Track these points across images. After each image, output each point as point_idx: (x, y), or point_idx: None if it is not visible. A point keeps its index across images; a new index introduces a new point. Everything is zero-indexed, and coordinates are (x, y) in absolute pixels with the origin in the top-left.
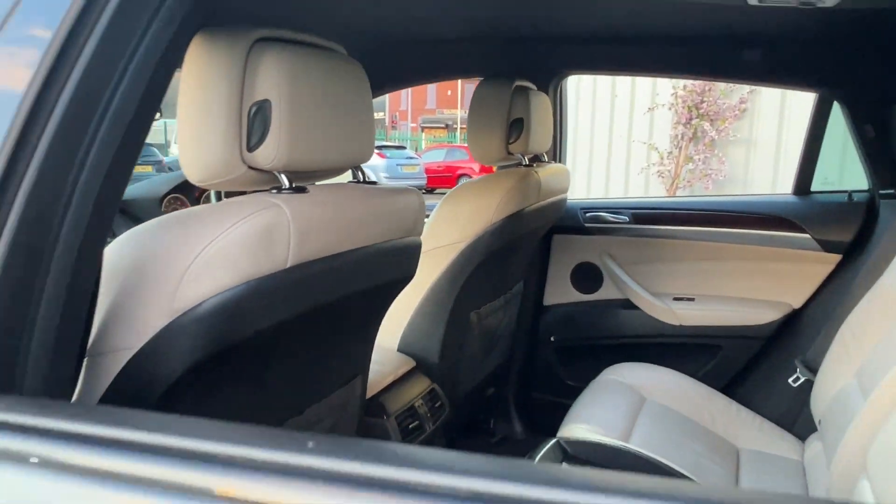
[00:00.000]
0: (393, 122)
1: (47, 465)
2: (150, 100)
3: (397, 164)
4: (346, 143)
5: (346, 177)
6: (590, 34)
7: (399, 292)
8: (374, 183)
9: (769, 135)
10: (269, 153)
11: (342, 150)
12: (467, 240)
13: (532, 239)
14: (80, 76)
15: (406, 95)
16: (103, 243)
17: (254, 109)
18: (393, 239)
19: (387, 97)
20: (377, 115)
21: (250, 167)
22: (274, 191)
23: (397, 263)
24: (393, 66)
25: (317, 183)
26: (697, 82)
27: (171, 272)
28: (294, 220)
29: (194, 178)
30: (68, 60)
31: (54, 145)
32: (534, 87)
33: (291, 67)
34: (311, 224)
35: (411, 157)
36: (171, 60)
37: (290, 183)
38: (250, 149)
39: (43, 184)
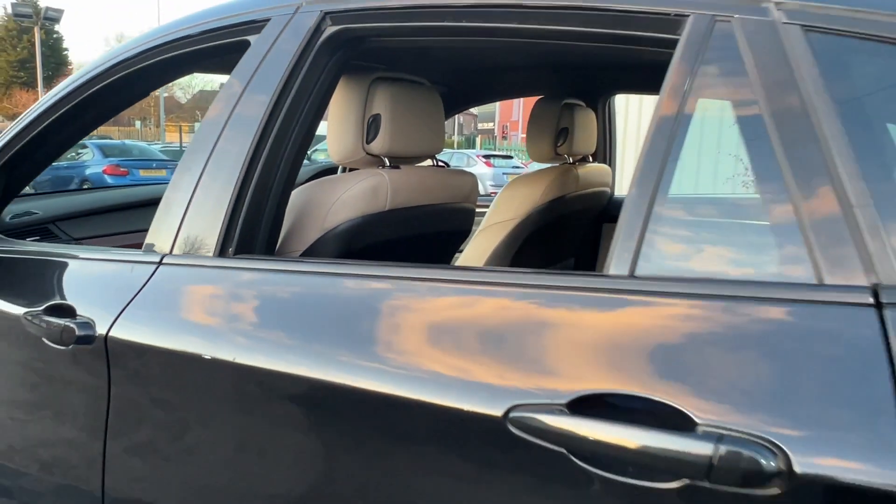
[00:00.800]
0: (503, 132)
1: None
2: (318, 117)
3: (503, 173)
4: (424, 141)
5: (428, 162)
6: (624, 62)
7: (458, 244)
8: (445, 165)
9: None
10: (378, 145)
11: (422, 145)
12: (519, 217)
13: (577, 221)
14: (286, 109)
15: (518, 106)
16: (292, 189)
17: (371, 119)
18: (453, 202)
19: (497, 109)
20: (488, 126)
21: (367, 153)
22: (380, 167)
23: (455, 219)
24: (469, 89)
25: (405, 166)
26: None
27: (323, 207)
28: (390, 183)
29: (336, 158)
30: (281, 101)
31: (273, 143)
32: (582, 103)
33: (393, 95)
34: (401, 186)
35: (517, 167)
36: (328, 95)
37: (390, 163)
38: (367, 142)
39: (269, 160)
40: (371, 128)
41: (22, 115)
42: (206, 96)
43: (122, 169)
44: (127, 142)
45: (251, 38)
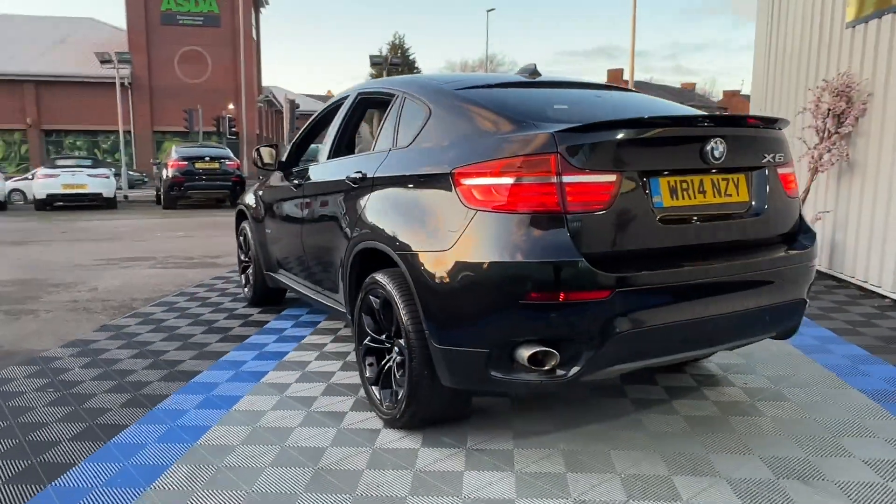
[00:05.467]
0: None
1: None
2: (359, 123)
3: None
4: None
5: None
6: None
7: None
8: None
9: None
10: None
11: None
12: None
13: None
14: (347, 119)
15: None
16: (354, 138)
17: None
18: None
19: None
20: None
21: None
22: None
23: None
24: None
25: None
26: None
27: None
28: None
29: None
30: (346, 116)
31: (345, 128)
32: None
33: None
34: None
35: None
36: (363, 116)
37: None
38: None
39: (343, 133)
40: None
41: (306, 124)
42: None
43: None
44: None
45: (344, 102)
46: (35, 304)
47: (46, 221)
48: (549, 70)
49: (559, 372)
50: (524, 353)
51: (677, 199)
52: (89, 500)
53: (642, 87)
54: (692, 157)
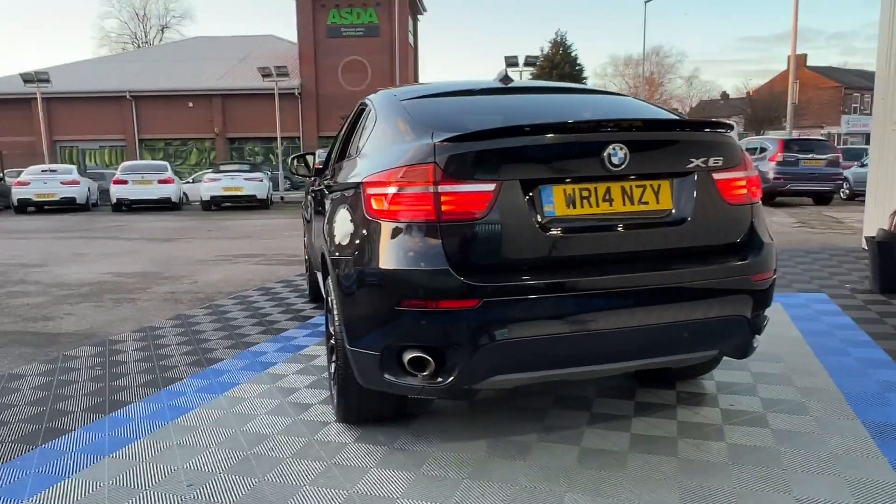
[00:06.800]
0: None
1: None
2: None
3: None
4: None
5: None
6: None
7: None
8: None
9: None
10: None
11: None
12: None
13: None
14: (352, 120)
15: None
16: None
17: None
18: None
19: None
20: None
21: None
22: None
23: None
24: None
25: None
26: None
27: None
28: None
29: None
30: (354, 119)
31: (351, 124)
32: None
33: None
34: None
35: None
36: (363, 119)
37: None
38: None
39: (350, 129)
40: None
41: (338, 132)
42: None
43: None
44: None
45: (353, 112)
46: (140, 293)
47: (202, 220)
48: (729, 59)
49: (439, 379)
50: (406, 357)
51: (574, 207)
52: (61, 460)
53: (830, 72)
54: (591, 164)
